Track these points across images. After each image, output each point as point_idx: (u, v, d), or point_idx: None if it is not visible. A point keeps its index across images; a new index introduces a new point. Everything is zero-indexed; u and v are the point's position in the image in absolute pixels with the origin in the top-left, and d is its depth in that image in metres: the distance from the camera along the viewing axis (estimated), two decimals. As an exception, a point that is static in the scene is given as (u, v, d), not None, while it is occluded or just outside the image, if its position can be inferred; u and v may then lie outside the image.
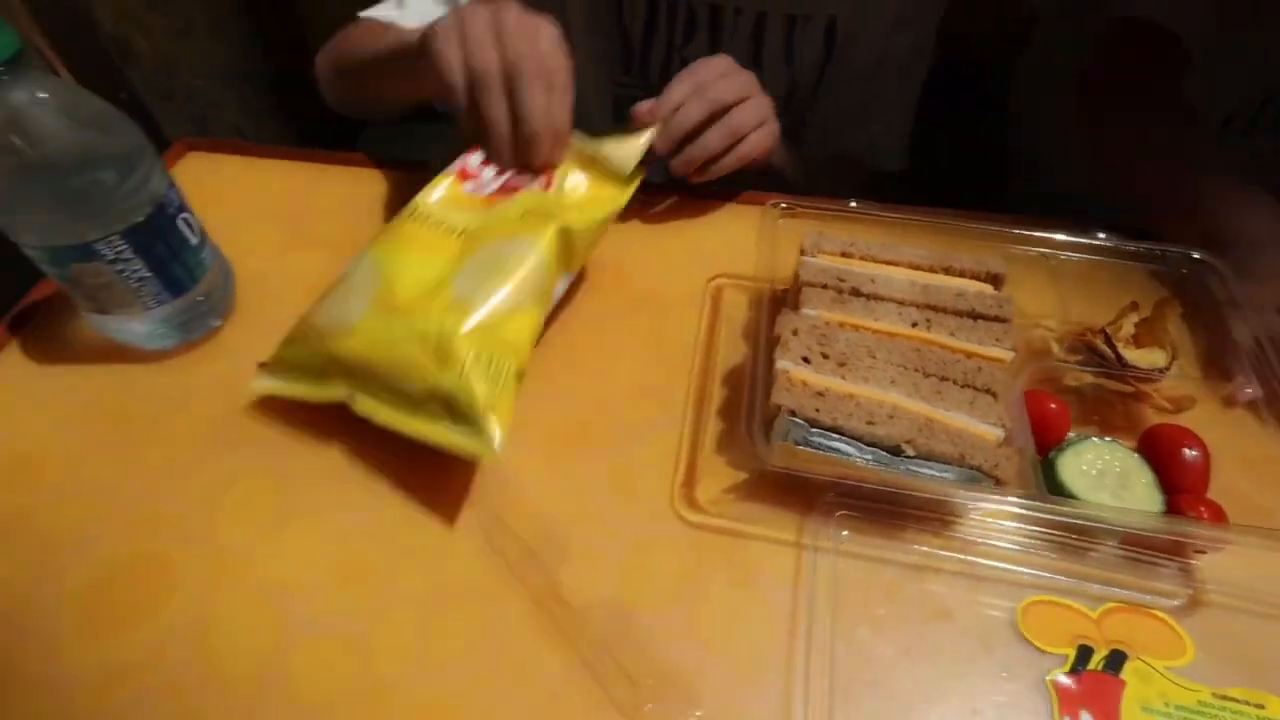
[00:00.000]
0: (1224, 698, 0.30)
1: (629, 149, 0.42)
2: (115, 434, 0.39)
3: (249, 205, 0.51)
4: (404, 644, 0.32)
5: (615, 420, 0.40)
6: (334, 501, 0.37)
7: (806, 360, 0.36)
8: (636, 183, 0.42)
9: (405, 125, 0.63)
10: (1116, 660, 0.31)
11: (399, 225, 0.39)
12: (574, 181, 0.41)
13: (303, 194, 0.53)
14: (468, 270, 0.37)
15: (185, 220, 0.39)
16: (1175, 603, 0.33)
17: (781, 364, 0.36)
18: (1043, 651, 0.31)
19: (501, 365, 0.35)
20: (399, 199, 0.51)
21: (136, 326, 0.40)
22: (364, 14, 0.55)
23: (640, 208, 0.51)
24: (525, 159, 0.40)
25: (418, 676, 0.31)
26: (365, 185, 0.53)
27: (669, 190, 0.52)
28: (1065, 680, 0.31)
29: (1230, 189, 0.45)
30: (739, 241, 0.48)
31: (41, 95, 0.33)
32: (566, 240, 0.38)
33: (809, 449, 0.33)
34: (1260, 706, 0.30)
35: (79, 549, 0.35)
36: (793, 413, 0.34)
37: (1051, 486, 0.34)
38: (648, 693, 0.30)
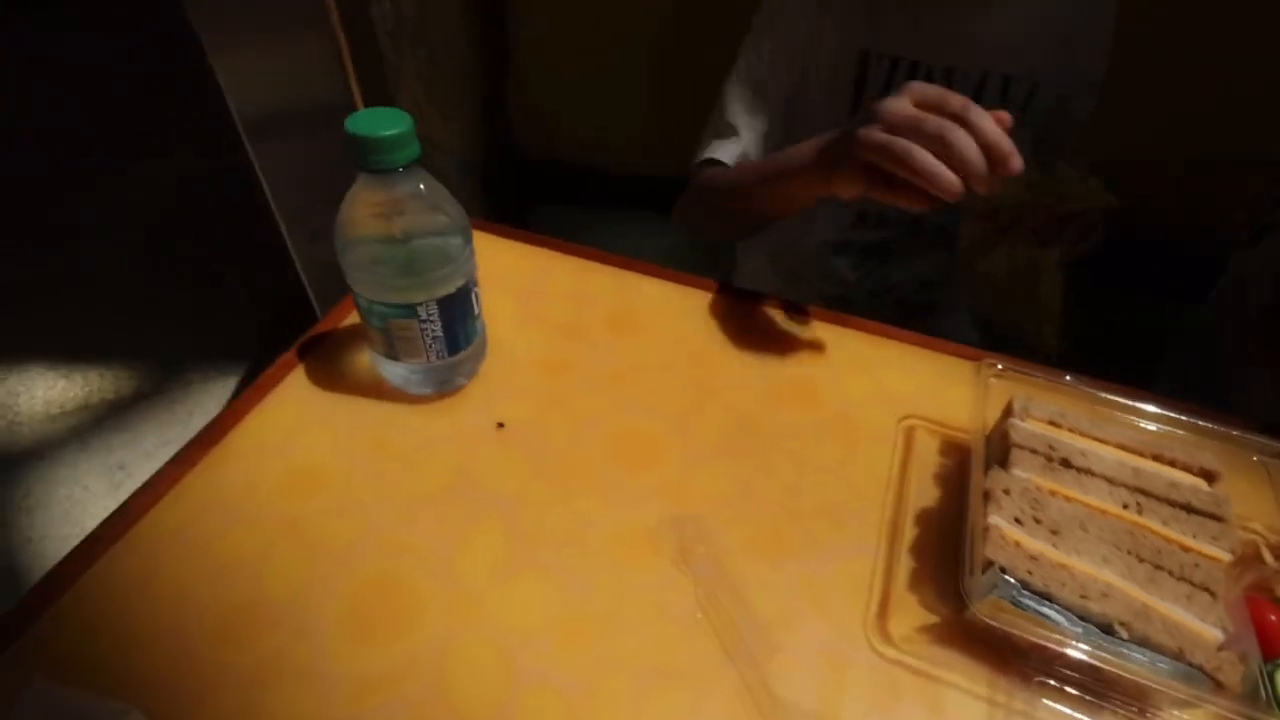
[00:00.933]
0: None
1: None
2: (375, 461, 0.45)
3: (490, 280, 0.59)
4: (618, 710, 0.35)
5: (809, 535, 0.43)
6: (555, 561, 0.41)
7: (1019, 522, 0.38)
8: None
9: (568, 207, 0.72)
10: None
11: None
12: None
13: (535, 276, 0.60)
14: None
15: (475, 294, 0.46)
16: None
17: (994, 520, 0.38)
18: None
19: None
20: (614, 285, 0.58)
21: (408, 373, 0.47)
22: (708, 156, 0.66)
23: (829, 337, 0.55)
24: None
25: (628, 748, 0.34)
26: (589, 274, 0.60)
27: (858, 323, 0.56)
28: None
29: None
30: (929, 385, 0.51)
31: (420, 187, 0.41)
32: None
33: (1018, 609, 0.35)
34: None
35: (342, 560, 0.40)
36: (1004, 570, 0.36)
37: (1276, 702, 0.34)
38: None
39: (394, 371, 0.48)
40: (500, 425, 0.47)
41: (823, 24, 0.65)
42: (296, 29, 0.63)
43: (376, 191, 0.41)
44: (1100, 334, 0.97)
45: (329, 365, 0.51)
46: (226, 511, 0.42)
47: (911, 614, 0.39)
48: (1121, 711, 0.36)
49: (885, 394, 0.51)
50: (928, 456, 0.47)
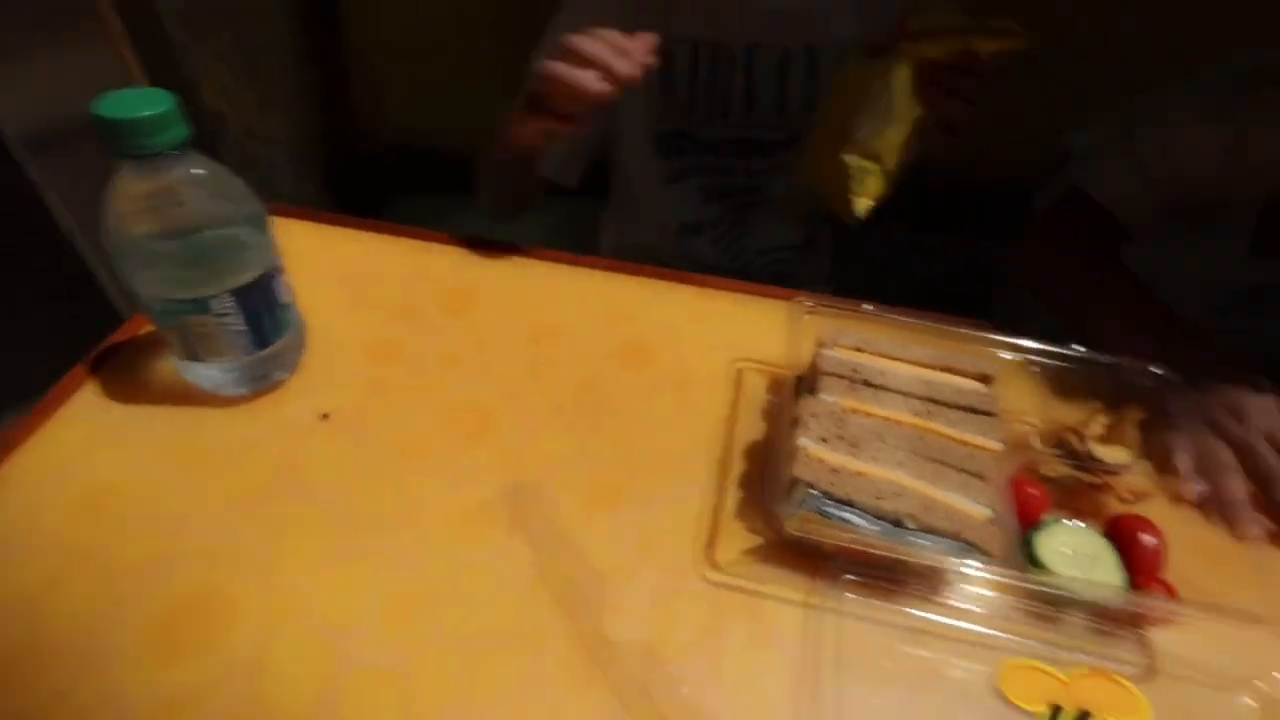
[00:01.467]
0: (1181, 759, 0.34)
1: None
2: (185, 471, 0.42)
3: (316, 268, 0.56)
4: (447, 683, 0.35)
5: (645, 484, 0.44)
6: (386, 546, 0.40)
7: (824, 440, 0.41)
8: None
9: (427, 195, 0.71)
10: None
11: None
12: None
13: (367, 262, 0.58)
14: None
15: (280, 282, 0.44)
16: (1133, 670, 0.37)
17: (802, 442, 0.41)
18: (1019, 709, 0.36)
19: None
20: (451, 266, 0.57)
21: (218, 374, 0.44)
22: None
23: (665, 297, 0.57)
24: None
25: (457, 714, 0.34)
26: (426, 256, 0.58)
27: (690, 279, 0.58)
28: (1044, 738, 0.35)
29: (1175, 322, 0.52)
30: (758, 330, 0.54)
31: (195, 172, 0.38)
32: None
33: (822, 517, 0.38)
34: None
35: (147, 580, 0.38)
36: (810, 485, 0.39)
37: (1031, 562, 0.39)
38: (679, 733, 0.34)
39: (202, 374, 0.45)
40: (325, 416, 0.46)
41: (625, 12, 0.66)
42: (64, 25, 0.57)
43: (143, 180, 0.37)
44: (938, 279, 1.06)
45: (128, 377, 0.47)
46: (3, 546, 0.38)
47: (738, 540, 0.42)
48: (918, 592, 0.40)
49: (718, 343, 0.53)
50: (756, 395, 0.50)
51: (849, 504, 0.39)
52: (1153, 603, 0.38)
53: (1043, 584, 0.37)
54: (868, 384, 0.44)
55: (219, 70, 0.68)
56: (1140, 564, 0.40)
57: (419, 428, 0.46)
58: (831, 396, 0.43)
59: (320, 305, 0.51)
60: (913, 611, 0.39)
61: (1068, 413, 0.46)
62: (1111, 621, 0.39)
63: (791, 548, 0.41)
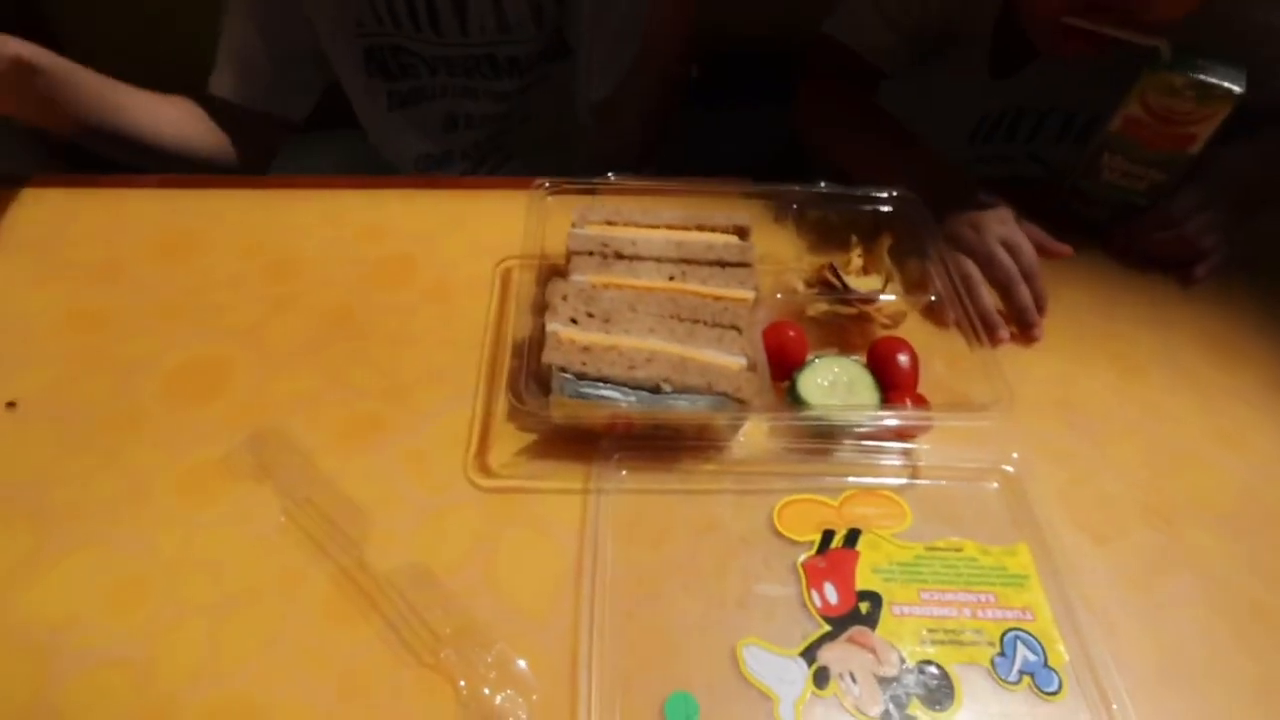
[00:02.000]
0: (933, 549, 0.36)
1: None
2: None
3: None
4: (191, 656, 0.32)
5: (409, 406, 0.41)
6: (103, 531, 0.35)
7: (574, 321, 0.39)
8: None
9: None
10: (853, 537, 0.37)
11: None
12: None
13: (57, 222, 0.49)
14: None
15: None
16: (899, 481, 0.39)
17: (551, 326, 0.38)
18: (795, 542, 0.36)
19: None
20: (163, 209, 0.49)
21: None
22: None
23: (423, 203, 0.52)
24: None
25: (209, 685, 0.31)
26: (129, 202, 0.50)
27: (449, 183, 0.53)
28: (812, 560, 0.36)
29: (923, 156, 0.54)
30: (520, 224, 0.50)
31: None
32: None
33: (579, 399, 0.36)
34: (958, 549, 0.36)
35: None
36: (563, 369, 0.37)
37: (796, 402, 0.39)
38: (447, 640, 0.32)
39: None
40: (11, 405, 0.39)
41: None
42: None
43: None
44: (760, 157, 1.05)
45: None
46: None
47: (511, 442, 0.40)
48: (692, 451, 0.39)
49: (481, 245, 0.49)
50: (523, 291, 0.47)
51: (603, 380, 0.37)
52: (901, 413, 0.39)
53: (798, 418, 0.38)
54: (619, 255, 0.42)
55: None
56: (896, 382, 0.41)
57: (133, 396, 0.40)
58: (583, 276, 0.41)
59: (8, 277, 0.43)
60: (687, 474, 0.39)
61: (827, 252, 0.47)
62: (874, 441, 0.40)
63: (563, 439, 0.39)
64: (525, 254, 0.48)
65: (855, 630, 0.33)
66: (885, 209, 0.47)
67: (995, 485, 0.39)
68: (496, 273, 0.48)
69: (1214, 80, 0.45)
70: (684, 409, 0.37)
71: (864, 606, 0.34)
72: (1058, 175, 0.56)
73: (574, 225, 0.44)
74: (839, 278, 0.44)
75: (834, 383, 0.40)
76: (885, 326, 0.44)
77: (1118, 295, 0.51)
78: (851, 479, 0.39)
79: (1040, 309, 0.46)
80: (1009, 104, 0.62)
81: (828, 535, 0.37)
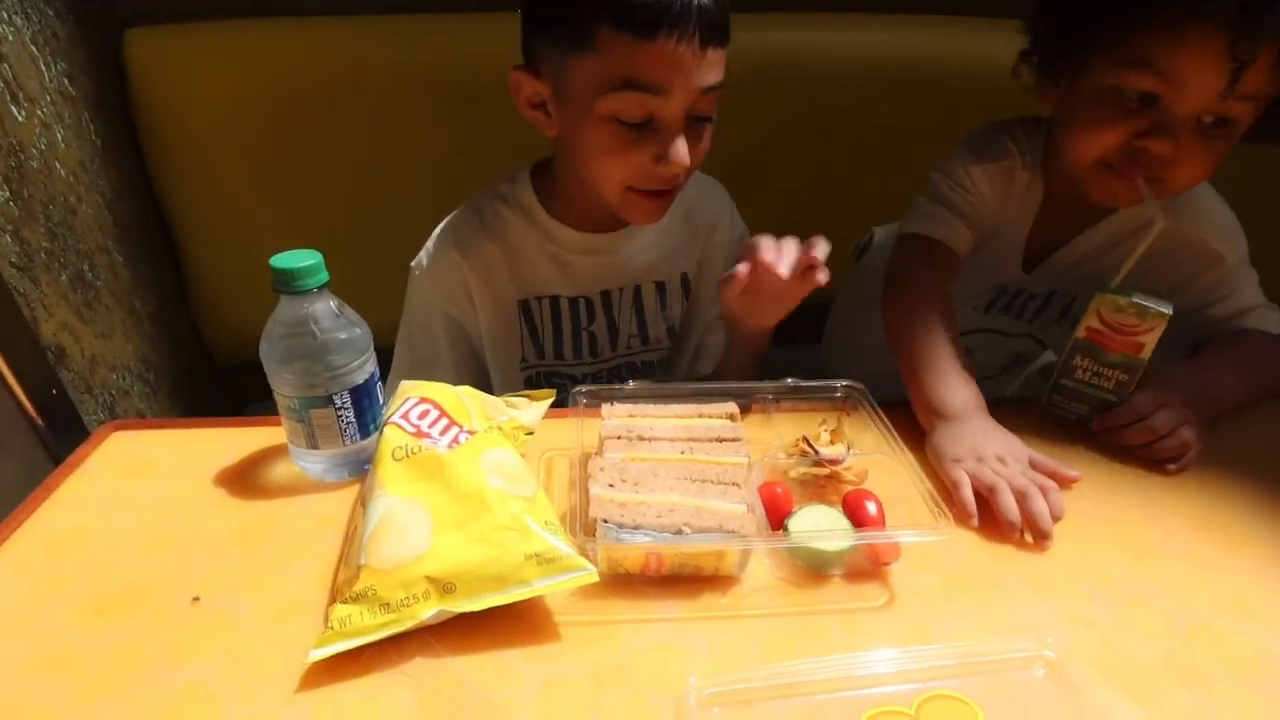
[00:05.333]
0: None
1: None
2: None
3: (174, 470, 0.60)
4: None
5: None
6: (275, 709, 0.42)
7: (611, 486, 0.51)
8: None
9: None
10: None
11: (393, 469, 0.48)
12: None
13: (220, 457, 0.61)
14: (490, 475, 0.48)
15: (379, 386, 0.58)
16: (956, 681, 0.43)
17: (594, 490, 0.50)
18: None
19: (553, 521, 0.48)
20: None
21: (325, 462, 0.57)
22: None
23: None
24: None
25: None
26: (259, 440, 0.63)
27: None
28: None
29: (943, 371, 0.64)
30: (554, 427, 0.63)
31: (330, 304, 0.53)
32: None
33: (619, 542, 0.47)
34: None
35: None
36: (605, 520, 0.48)
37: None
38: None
39: (312, 463, 0.57)
40: (196, 599, 0.47)
41: (484, 282, 0.73)
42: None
43: (293, 308, 0.52)
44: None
45: None
46: None
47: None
48: (709, 579, 0.49)
49: (533, 442, 0.62)
50: (562, 473, 0.59)
51: (638, 528, 0.48)
52: (873, 535, 0.50)
53: (787, 543, 0.48)
54: (641, 438, 0.56)
55: (60, 309, 0.75)
56: (867, 523, 0.52)
57: (295, 589, 0.49)
58: (615, 454, 0.54)
59: (185, 502, 0.56)
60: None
61: (801, 427, 0.60)
62: (858, 574, 0.50)
63: (608, 583, 0.48)
64: (561, 447, 0.61)
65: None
66: (839, 395, 0.62)
67: (1041, 672, 0.44)
68: (542, 461, 0.61)
69: (1149, 304, 0.60)
70: (703, 544, 0.47)
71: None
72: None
73: (605, 417, 0.58)
74: (812, 447, 0.57)
75: (818, 526, 0.51)
76: (852, 483, 0.56)
77: (1114, 483, 0.60)
78: (914, 686, 0.43)
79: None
80: (1027, 287, 0.77)
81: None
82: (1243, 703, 0.43)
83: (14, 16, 0.74)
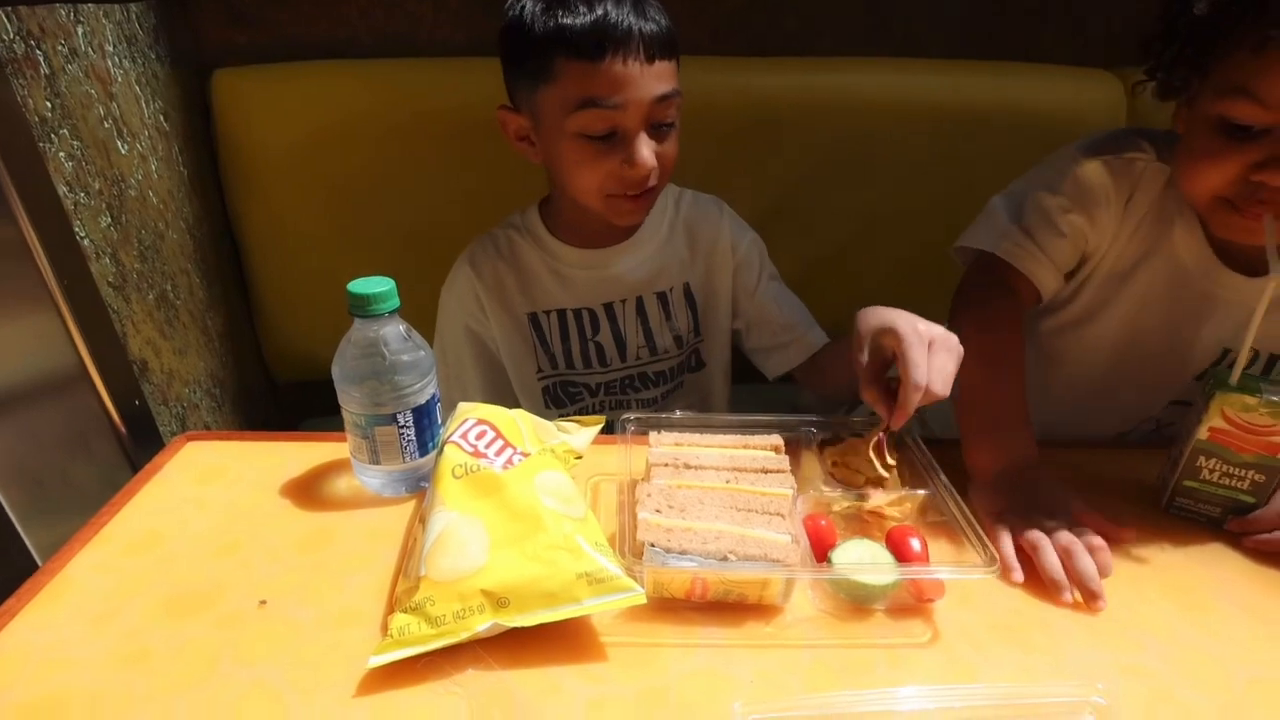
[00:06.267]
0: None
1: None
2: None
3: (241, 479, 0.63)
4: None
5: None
6: (336, 710, 0.44)
7: (658, 511, 0.53)
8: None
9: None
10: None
11: (453, 485, 0.50)
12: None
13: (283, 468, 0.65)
14: (544, 495, 0.50)
15: (439, 406, 0.61)
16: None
17: (642, 515, 0.52)
18: None
19: (603, 542, 0.49)
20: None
21: (385, 478, 0.60)
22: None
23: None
24: None
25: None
26: (320, 455, 0.67)
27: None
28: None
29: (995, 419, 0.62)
30: (602, 452, 0.65)
31: (399, 328, 0.57)
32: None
33: (666, 566, 0.48)
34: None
35: None
36: (652, 544, 0.50)
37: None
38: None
39: (373, 478, 0.60)
40: (262, 603, 0.50)
41: (496, 300, 0.80)
42: (10, 296, 0.62)
43: (367, 331, 0.55)
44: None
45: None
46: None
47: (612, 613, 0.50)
48: (753, 607, 0.50)
49: (581, 466, 0.64)
50: (609, 498, 0.61)
51: (685, 553, 0.49)
52: (913, 569, 0.50)
53: (831, 574, 0.49)
54: (687, 466, 0.57)
55: (145, 326, 0.81)
56: (911, 560, 0.52)
57: (353, 598, 0.51)
58: (662, 481, 0.56)
59: (253, 510, 0.59)
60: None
61: (842, 462, 0.61)
62: (901, 609, 0.50)
63: (655, 605, 0.50)
64: (607, 472, 0.63)
65: None
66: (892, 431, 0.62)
67: (1090, 719, 0.43)
68: (589, 485, 0.63)
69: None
70: (748, 571, 0.48)
71: None
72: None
73: (652, 445, 0.60)
74: (857, 481, 0.58)
75: (861, 559, 0.51)
76: (896, 519, 0.57)
77: (1168, 530, 0.58)
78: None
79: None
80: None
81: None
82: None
83: (124, 60, 0.82)
